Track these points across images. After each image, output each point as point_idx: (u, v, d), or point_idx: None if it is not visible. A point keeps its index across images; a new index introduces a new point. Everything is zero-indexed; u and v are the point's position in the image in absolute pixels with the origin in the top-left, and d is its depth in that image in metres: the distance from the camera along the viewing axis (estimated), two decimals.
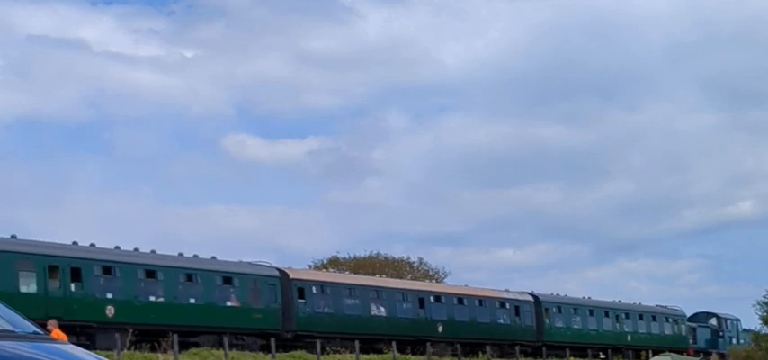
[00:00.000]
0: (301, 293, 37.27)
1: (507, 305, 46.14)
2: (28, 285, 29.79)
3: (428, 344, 38.89)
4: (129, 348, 29.15)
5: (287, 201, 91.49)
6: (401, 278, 51.94)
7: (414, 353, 39.69)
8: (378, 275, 50.99)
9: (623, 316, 53.18)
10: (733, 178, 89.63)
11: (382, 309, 40.35)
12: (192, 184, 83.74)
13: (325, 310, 38.07)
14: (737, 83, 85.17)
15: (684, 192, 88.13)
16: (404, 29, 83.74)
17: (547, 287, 58.78)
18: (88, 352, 5.25)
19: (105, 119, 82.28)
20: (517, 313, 46.42)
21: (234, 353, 31.29)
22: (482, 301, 44.90)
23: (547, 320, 47.79)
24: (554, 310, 48.85)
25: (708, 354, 55.16)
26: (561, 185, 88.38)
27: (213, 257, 36.19)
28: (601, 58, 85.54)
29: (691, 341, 57.08)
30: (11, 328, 5.05)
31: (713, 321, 60.36)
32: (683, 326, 57.19)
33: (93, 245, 32.44)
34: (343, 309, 38.82)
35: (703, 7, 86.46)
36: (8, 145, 76.35)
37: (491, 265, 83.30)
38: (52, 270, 30.31)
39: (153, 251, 34.15)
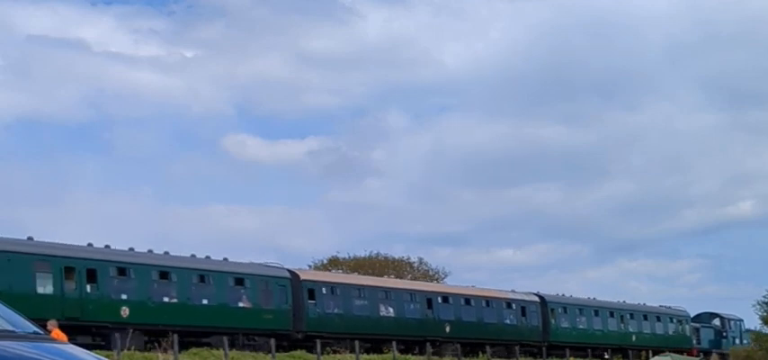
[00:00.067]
0: (311, 294, 37.19)
1: (514, 306, 45.96)
2: (45, 287, 29.81)
3: (428, 344, 38.61)
4: (129, 348, 28.90)
5: (287, 201, 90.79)
6: (401, 278, 51.49)
7: (422, 353, 39.56)
8: (386, 276, 50.87)
9: (628, 316, 52.92)
10: (733, 178, 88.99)
11: (391, 309, 40.24)
12: (192, 184, 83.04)
13: (335, 310, 37.97)
14: (737, 83, 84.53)
15: (684, 192, 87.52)
16: (404, 29, 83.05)
17: (547, 287, 58.45)
18: (88, 352, 5.18)
19: (105, 119, 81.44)
20: (523, 314, 46.25)
21: (234, 353, 31.09)
22: (489, 301, 44.75)
23: (553, 321, 47.61)
24: (560, 310, 48.65)
25: (708, 353, 54.83)
26: (561, 185, 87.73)
27: (225, 259, 36.15)
28: (601, 58, 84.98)
29: (694, 341, 56.78)
30: (11, 328, 4.98)
31: (717, 322, 60.04)
32: (686, 326, 56.88)
33: (107, 246, 32.47)
34: (353, 309, 38.72)
35: (703, 7, 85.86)
36: (8, 145, 75.78)
37: (491, 265, 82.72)
38: (68, 271, 30.33)
39: (166, 252, 34.14)
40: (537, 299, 47.47)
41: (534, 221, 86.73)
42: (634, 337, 52.13)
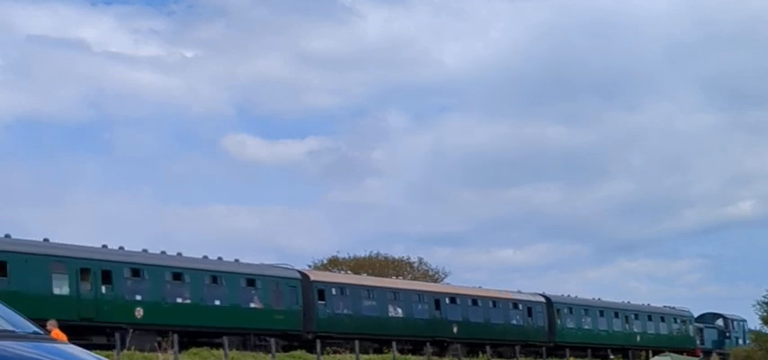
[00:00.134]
0: (322, 295, 37.09)
1: (520, 306, 45.78)
2: (61, 288, 29.79)
3: (428, 344, 38.30)
4: (129, 348, 28.70)
5: (287, 201, 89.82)
6: (401, 278, 51.16)
7: (432, 353, 39.39)
8: (394, 277, 50.68)
9: (632, 317, 52.66)
10: (733, 178, 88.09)
11: (399, 310, 40.11)
12: (192, 184, 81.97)
13: (345, 311, 37.86)
14: (737, 83, 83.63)
15: (684, 192, 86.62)
16: (404, 29, 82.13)
17: (547, 287, 57.66)
18: (88, 352, 5.10)
19: (105, 119, 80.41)
20: (529, 314, 46.06)
21: (234, 353, 30.90)
22: (495, 302, 44.58)
23: (558, 321, 47.40)
24: (565, 310, 48.45)
25: (708, 353, 54.46)
26: (561, 185, 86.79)
27: (236, 260, 36.09)
28: (601, 58, 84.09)
29: (698, 342, 56.46)
30: (11, 328, 4.90)
31: (720, 322, 59.67)
32: (690, 327, 56.56)
33: (121, 248, 32.45)
34: (362, 310, 38.61)
35: (703, 7, 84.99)
36: (8, 145, 74.85)
37: (491, 265, 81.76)
38: (84, 273, 30.31)
39: (179, 254, 34.11)
40: (543, 299, 47.27)
41: (534, 221, 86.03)
42: (638, 338, 51.85)
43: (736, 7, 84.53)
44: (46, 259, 29.53)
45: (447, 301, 42.18)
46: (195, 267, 33.67)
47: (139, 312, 31.23)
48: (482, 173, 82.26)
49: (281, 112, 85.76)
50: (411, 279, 51.73)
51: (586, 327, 49.23)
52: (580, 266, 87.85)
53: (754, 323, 53.61)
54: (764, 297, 46.98)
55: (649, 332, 52.99)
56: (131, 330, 29.76)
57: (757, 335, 48.32)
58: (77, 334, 28.06)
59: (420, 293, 41.90)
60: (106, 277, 30.82)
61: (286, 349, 33.97)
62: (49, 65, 73.89)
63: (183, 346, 30.61)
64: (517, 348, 42.45)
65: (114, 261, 31.32)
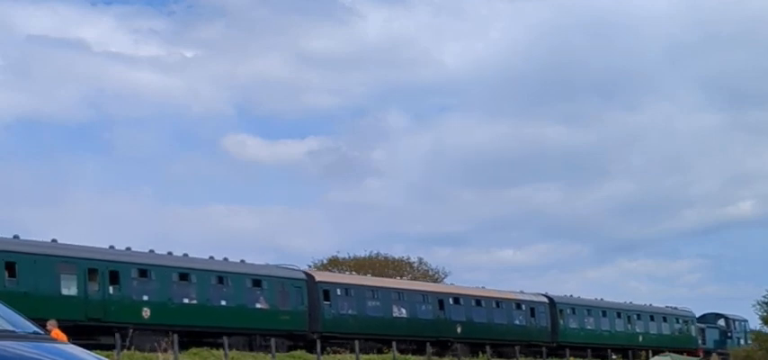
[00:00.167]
0: (327, 296, 37.03)
1: (523, 307, 45.66)
2: (69, 288, 29.78)
3: (428, 344, 38.10)
4: (129, 348, 28.58)
5: (287, 201, 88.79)
6: (401, 278, 50.78)
7: (436, 353, 39.30)
8: (399, 277, 50.57)
9: (635, 317, 52.50)
10: (733, 178, 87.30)
11: (404, 310, 40.03)
12: (192, 184, 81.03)
13: (350, 311, 37.80)
14: (737, 83, 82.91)
15: (684, 192, 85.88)
16: (404, 29, 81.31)
17: (546, 287, 57.38)
18: (88, 352, 5.05)
19: (105, 119, 79.47)
20: (532, 314, 45.95)
21: (234, 353, 30.78)
22: (499, 302, 44.48)
23: (561, 321, 47.27)
24: (568, 311, 48.32)
25: (708, 353, 54.25)
26: (561, 185, 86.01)
27: (242, 261, 36.06)
28: (601, 58, 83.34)
29: (700, 342, 56.25)
30: (11, 328, 4.86)
31: (721, 322, 59.46)
32: (692, 327, 56.38)
33: (128, 248, 32.44)
34: (367, 310, 38.54)
35: (703, 7, 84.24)
36: (8, 145, 74.15)
37: (491, 265, 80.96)
38: (92, 273, 30.31)
39: (185, 254, 34.09)
40: (546, 300, 47.15)
41: (534, 221, 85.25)
42: (641, 338, 51.68)
43: (736, 7, 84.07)
44: (54, 260, 29.53)
45: (451, 301, 42.10)
46: (202, 268, 33.65)
47: (146, 313, 31.21)
48: (482, 173, 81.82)
49: (281, 112, 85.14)
50: (411, 279, 51.53)
51: (589, 327, 49.09)
52: (580, 266, 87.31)
53: (756, 323, 53.43)
54: (764, 297, 46.73)
55: (652, 332, 52.81)
56: (131, 330, 29.59)
57: (757, 335, 48.06)
58: (86, 334, 28.11)
59: (424, 294, 41.83)
60: (114, 278, 30.81)
61: (292, 349, 33.84)
62: (49, 65, 73.40)
63: (188, 346, 30.59)
64: (517, 348, 42.21)
65: (121, 262, 31.31)
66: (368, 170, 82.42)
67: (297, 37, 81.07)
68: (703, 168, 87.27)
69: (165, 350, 28.19)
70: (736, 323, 58.68)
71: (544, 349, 43.98)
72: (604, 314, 50.43)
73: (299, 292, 36.10)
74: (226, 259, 35.29)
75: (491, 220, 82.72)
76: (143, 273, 31.93)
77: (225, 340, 30.20)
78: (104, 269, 30.59)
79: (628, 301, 53.95)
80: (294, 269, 37.54)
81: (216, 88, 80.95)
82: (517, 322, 45.10)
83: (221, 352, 30.26)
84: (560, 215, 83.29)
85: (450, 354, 39.65)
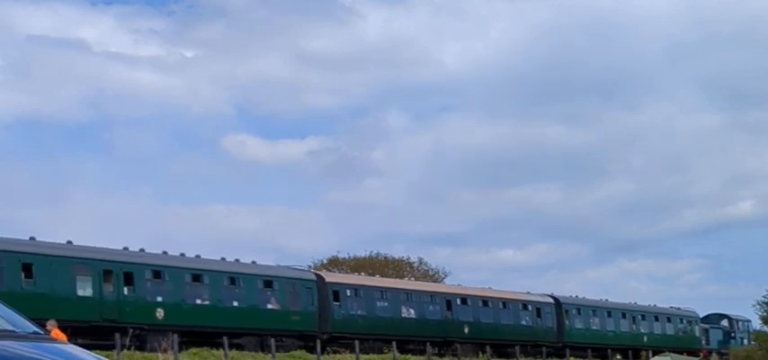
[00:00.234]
0: (336, 296, 36.92)
1: (529, 307, 45.44)
2: (84, 289, 29.76)
3: (428, 344, 37.72)
4: (128, 348, 28.39)
5: (287, 201, 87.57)
6: (401, 278, 50.40)
7: (443, 353, 39.11)
8: (407, 278, 50.35)
9: (640, 317, 52.18)
10: (733, 178, 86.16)
11: (412, 311, 39.88)
12: (192, 184, 79.81)
13: (359, 312, 37.67)
14: (737, 83, 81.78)
15: (684, 192, 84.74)
16: (404, 29, 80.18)
17: (547, 287, 57.03)
18: (88, 352, 4.95)
19: (105, 119, 78.19)
20: (538, 315, 45.72)
21: (234, 353, 30.59)
22: (505, 303, 44.28)
23: (567, 322, 47.02)
24: (574, 311, 48.07)
25: (708, 354, 53.86)
26: (561, 185, 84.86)
27: (253, 262, 35.97)
28: (601, 58, 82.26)
29: (704, 342, 55.89)
30: (11, 328, 4.75)
31: (725, 323, 59.05)
32: (696, 327, 56.01)
33: (142, 250, 32.40)
34: (376, 311, 38.41)
35: (703, 7, 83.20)
36: (8, 145, 73.14)
37: (491, 265, 79.77)
38: (106, 274, 30.29)
39: (197, 256, 34.04)
40: (551, 300, 46.92)
41: (534, 221, 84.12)
42: (645, 338, 51.36)
43: (736, 7, 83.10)
44: (70, 261, 29.53)
45: (458, 302, 41.92)
46: (214, 269, 33.58)
47: (160, 313, 31.16)
48: (482, 173, 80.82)
49: (281, 112, 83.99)
50: (412, 279, 51.20)
51: (594, 327, 48.82)
52: (580, 266, 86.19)
53: (758, 323, 53.03)
54: (764, 297, 46.37)
55: (656, 333, 52.49)
56: (131, 331, 29.34)
57: (757, 334, 47.66)
58: (100, 334, 28.08)
59: (432, 294, 41.67)
60: (128, 279, 30.78)
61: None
62: (49, 65, 72.53)
63: (201, 346, 30.50)
64: (517, 348, 41.72)
65: (136, 263, 31.28)
66: (368, 170, 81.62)
67: (297, 37, 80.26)
68: (703, 168, 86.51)
69: (165, 350, 28.00)
70: (740, 323, 58.27)
71: (544, 349, 43.53)
72: (609, 314, 50.16)
73: (309, 292, 36.00)
74: (237, 260, 35.22)
75: (491, 220, 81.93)
76: (157, 274, 31.88)
77: (225, 340, 29.94)
78: (119, 270, 30.57)
79: (632, 302, 53.65)
80: (304, 270, 37.49)
81: (216, 88, 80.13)
82: (523, 323, 44.88)
83: (221, 352, 30.06)
84: (560, 215, 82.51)
85: (450, 353, 39.33)
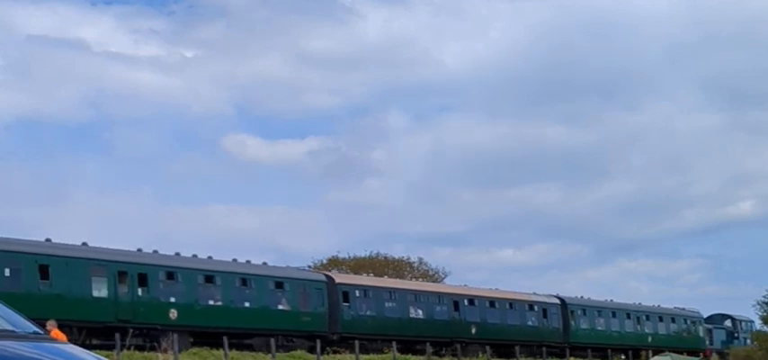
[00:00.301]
0: (346, 297, 36.83)
1: (535, 308, 45.24)
2: (100, 290, 29.77)
3: (428, 344, 37.32)
4: (128, 348, 28.20)
5: (287, 201, 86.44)
6: (401, 278, 49.99)
7: (453, 354, 38.90)
8: (413, 279, 50.15)
9: (644, 318, 51.88)
10: (733, 178, 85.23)
11: (420, 311, 39.76)
12: (192, 184, 78.79)
13: (368, 312, 37.57)
14: (737, 83, 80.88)
15: (684, 192, 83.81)
16: (404, 29, 79.25)
17: (547, 287, 56.57)
18: (88, 352, 4.87)
19: (105, 119, 77.06)
20: (545, 315, 45.50)
21: (234, 353, 30.42)
22: (512, 303, 44.08)
23: (572, 322, 46.80)
24: (579, 312, 47.83)
25: (711, 353, 53.49)
26: (561, 185, 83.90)
27: (264, 263, 35.92)
28: (601, 58, 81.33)
29: (707, 342, 55.54)
30: (11, 328, 4.68)
31: (728, 323, 58.66)
32: (700, 327, 55.65)
33: (155, 251, 32.40)
34: (384, 311, 38.29)
35: (703, 7, 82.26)
36: (8, 145, 72.29)
37: (491, 265, 78.85)
38: (121, 276, 30.29)
39: (210, 257, 34.02)
40: (557, 301, 46.71)
41: (534, 221, 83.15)
42: (650, 338, 51.06)
43: (736, 7, 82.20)
44: (86, 263, 29.54)
45: (465, 302, 41.77)
46: (226, 270, 33.55)
47: (174, 314, 31.13)
48: (482, 173, 79.91)
49: (281, 112, 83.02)
50: (411, 279, 50.90)
51: (599, 328, 48.56)
52: (580, 266, 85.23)
53: (759, 323, 52.64)
54: (765, 297, 46.02)
55: (660, 333, 52.18)
56: (130, 331, 29.13)
57: (757, 334, 47.27)
58: (114, 335, 28.01)
59: (439, 295, 41.54)
60: (142, 280, 30.77)
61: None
62: (49, 65, 71.75)
63: (213, 347, 30.44)
64: (517, 349, 41.40)
65: (150, 264, 31.27)
66: (368, 170, 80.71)
67: (297, 37, 79.35)
68: (703, 168, 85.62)
69: (165, 350, 27.80)
70: (743, 324, 57.89)
71: (544, 349, 43.16)
72: (614, 315, 49.90)
73: (319, 293, 35.91)
74: (248, 262, 35.18)
75: (491, 220, 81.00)
76: (170, 275, 31.86)
77: (224, 340, 29.68)
78: (133, 272, 30.55)
79: (637, 303, 53.34)
80: (315, 271, 37.43)
81: (216, 88, 79.27)
82: (530, 323, 44.68)
83: (221, 352, 29.86)
84: (560, 215, 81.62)
85: (450, 353, 39.03)
